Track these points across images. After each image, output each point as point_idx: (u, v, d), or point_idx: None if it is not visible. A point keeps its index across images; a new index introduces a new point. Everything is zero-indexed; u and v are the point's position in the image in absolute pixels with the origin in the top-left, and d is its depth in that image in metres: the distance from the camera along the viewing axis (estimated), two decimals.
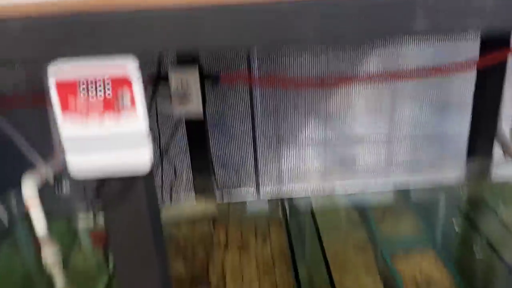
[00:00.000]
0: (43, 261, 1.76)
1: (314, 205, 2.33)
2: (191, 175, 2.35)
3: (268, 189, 2.52)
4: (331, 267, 1.90)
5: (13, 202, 2.05)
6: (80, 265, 2.02)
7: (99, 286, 1.86)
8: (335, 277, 1.87)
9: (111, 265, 1.89)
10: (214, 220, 2.13)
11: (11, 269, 1.97)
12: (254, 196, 2.51)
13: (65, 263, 1.84)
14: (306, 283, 1.91)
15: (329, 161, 2.52)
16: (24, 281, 1.98)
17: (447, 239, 2.24)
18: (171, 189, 2.38)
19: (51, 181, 1.74)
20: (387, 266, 2.06)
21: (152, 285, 1.12)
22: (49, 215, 1.63)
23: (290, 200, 2.40)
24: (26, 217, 1.73)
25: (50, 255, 1.77)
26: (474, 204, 2.35)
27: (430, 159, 2.55)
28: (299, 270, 1.86)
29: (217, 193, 2.47)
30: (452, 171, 2.46)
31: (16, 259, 2.00)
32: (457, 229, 2.26)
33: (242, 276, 1.79)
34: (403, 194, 2.46)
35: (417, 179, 2.50)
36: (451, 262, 2.08)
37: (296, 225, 2.17)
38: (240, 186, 2.52)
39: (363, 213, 2.30)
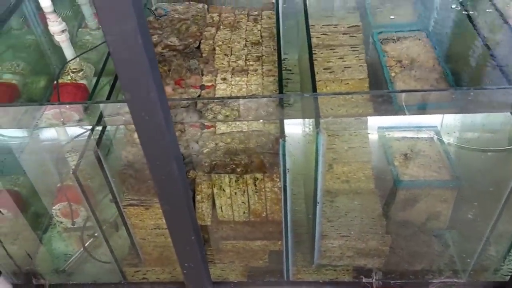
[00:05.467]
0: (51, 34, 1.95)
1: None
2: None
3: None
4: (315, 48, 1.98)
5: None
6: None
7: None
8: (318, 55, 1.96)
9: None
10: (208, 2, 2.20)
11: (21, 41, 2.19)
12: None
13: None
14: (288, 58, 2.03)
15: None
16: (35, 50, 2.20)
17: (442, 27, 2.26)
18: None
19: None
20: (375, 47, 2.14)
21: None
22: None
23: None
24: None
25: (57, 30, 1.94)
26: None
27: None
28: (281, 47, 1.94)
29: None
30: None
31: (24, 32, 2.20)
32: (454, 18, 2.26)
33: (231, 48, 1.93)
34: None
35: None
36: (442, 49, 2.14)
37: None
38: None
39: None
